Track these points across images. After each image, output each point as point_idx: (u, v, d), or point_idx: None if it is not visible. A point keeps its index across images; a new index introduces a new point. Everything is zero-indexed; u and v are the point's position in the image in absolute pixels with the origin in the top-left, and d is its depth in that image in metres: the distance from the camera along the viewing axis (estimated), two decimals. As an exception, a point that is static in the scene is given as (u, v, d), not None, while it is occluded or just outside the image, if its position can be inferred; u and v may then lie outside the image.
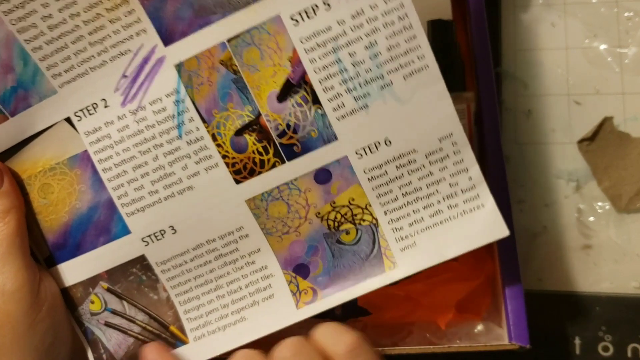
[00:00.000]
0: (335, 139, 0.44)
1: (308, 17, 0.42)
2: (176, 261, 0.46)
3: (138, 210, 0.45)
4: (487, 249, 0.54)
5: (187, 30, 0.42)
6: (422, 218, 0.45)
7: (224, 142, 0.44)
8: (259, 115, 0.44)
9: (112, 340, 0.48)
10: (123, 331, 0.48)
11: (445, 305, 0.54)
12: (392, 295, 0.53)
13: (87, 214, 0.46)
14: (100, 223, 0.46)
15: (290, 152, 0.44)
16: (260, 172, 0.45)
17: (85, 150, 0.45)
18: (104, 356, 0.48)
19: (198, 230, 0.46)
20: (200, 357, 0.48)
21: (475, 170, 0.44)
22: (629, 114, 0.59)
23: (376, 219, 0.46)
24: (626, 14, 0.59)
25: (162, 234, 0.46)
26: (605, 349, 0.57)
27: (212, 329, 0.47)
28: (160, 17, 0.42)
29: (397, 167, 0.44)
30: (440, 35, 0.55)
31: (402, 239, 0.45)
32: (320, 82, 0.43)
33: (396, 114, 0.43)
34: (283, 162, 0.44)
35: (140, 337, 0.48)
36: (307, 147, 0.44)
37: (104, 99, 0.44)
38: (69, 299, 0.47)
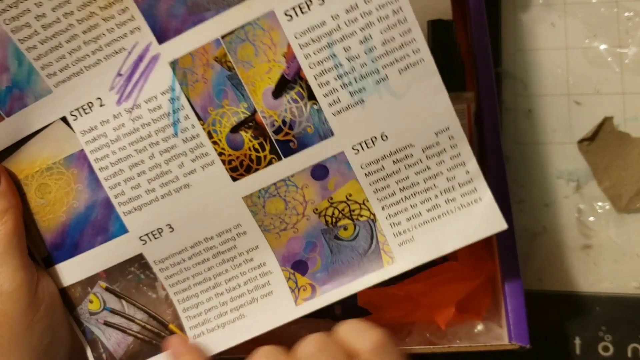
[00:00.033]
0: (331, 134, 0.44)
1: (302, 12, 0.42)
2: (174, 259, 0.46)
3: (135, 209, 0.45)
4: (487, 249, 0.54)
5: (181, 28, 0.42)
6: (420, 212, 0.45)
7: (219, 140, 0.44)
8: (254, 111, 0.44)
9: (111, 340, 0.48)
10: (122, 330, 0.48)
11: (445, 305, 0.53)
12: (392, 295, 0.53)
13: (85, 214, 0.46)
14: (98, 222, 0.46)
15: (286, 149, 0.44)
16: (256, 169, 0.45)
17: (82, 150, 0.45)
18: (104, 355, 0.48)
19: (195, 228, 0.46)
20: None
21: (473, 164, 0.44)
22: (629, 114, 0.59)
23: (374, 214, 0.45)
24: (626, 14, 0.59)
25: (159, 233, 0.46)
26: (605, 349, 0.57)
27: (211, 326, 0.47)
28: (154, 15, 0.42)
29: (394, 161, 0.44)
30: (440, 35, 0.56)
31: (400, 233, 0.45)
32: (315, 77, 0.43)
33: (392, 108, 0.43)
34: (279, 158, 0.44)
35: (139, 336, 0.48)
36: (303, 143, 0.44)
37: (99, 98, 0.44)
38: (68, 298, 0.47)
